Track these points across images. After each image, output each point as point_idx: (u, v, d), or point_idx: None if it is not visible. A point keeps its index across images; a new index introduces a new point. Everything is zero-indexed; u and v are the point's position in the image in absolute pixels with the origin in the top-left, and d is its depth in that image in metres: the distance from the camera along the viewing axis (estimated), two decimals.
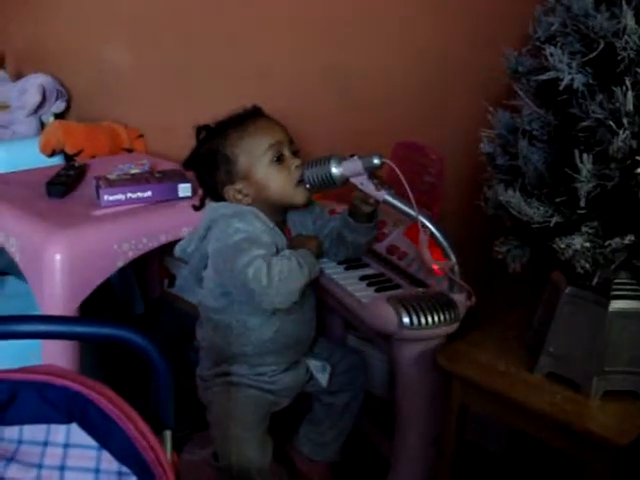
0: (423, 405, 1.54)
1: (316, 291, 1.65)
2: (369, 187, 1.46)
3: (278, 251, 1.50)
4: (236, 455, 1.50)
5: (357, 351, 1.84)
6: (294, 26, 2.14)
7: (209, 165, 1.55)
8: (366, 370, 1.79)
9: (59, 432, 0.89)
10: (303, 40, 2.13)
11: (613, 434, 1.15)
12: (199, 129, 1.57)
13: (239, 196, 1.53)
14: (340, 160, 1.45)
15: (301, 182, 1.50)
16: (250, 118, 1.55)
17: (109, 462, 0.89)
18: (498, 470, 1.68)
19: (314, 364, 1.67)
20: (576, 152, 1.09)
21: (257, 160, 1.51)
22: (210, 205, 1.58)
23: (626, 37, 1.04)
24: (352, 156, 1.45)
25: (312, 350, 1.71)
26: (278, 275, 1.40)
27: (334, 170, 1.44)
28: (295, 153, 1.55)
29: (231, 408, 1.56)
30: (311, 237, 1.61)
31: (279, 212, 1.58)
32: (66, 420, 0.89)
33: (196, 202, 1.63)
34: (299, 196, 1.53)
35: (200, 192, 1.64)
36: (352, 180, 1.46)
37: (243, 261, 1.41)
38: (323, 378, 1.66)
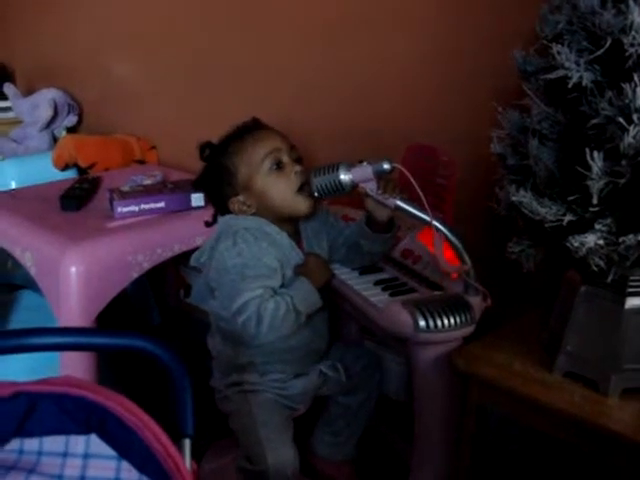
0: (442, 407, 1.54)
1: (330, 300, 1.64)
2: (379, 193, 1.46)
3: (284, 276, 1.51)
4: (272, 457, 1.50)
5: (370, 351, 1.83)
6: (306, 30, 2.14)
7: (214, 180, 1.57)
8: (380, 368, 1.79)
9: (78, 443, 0.90)
10: (314, 44, 2.13)
11: (633, 432, 1.14)
12: (202, 147, 1.58)
13: (243, 207, 1.53)
14: (349, 166, 1.45)
15: (302, 189, 1.51)
16: (249, 131, 1.56)
17: (129, 472, 0.89)
18: (517, 470, 1.67)
19: (325, 364, 1.67)
20: (587, 150, 1.09)
21: (256, 169, 1.52)
22: (221, 218, 1.58)
23: (633, 33, 1.04)
24: (361, 162, 1.44)
25: (324, 358, 1.70)
26: (268, 327, 1.42)
27: (343, 177, 1.44)
28: (297, 160, 1.55)
29: (255, 413, 1.56)
30: (324, 265, 1.59)
31: (287, 222, 1.57)
32: (85, 431, 0.90)
33: (209, 218, 1.63)
34: (300, 204, 1.53)
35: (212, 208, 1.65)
36: (362, 186, 1.46)
37: (236, 304, 1.44)
38: (340, 375, 1.67)
